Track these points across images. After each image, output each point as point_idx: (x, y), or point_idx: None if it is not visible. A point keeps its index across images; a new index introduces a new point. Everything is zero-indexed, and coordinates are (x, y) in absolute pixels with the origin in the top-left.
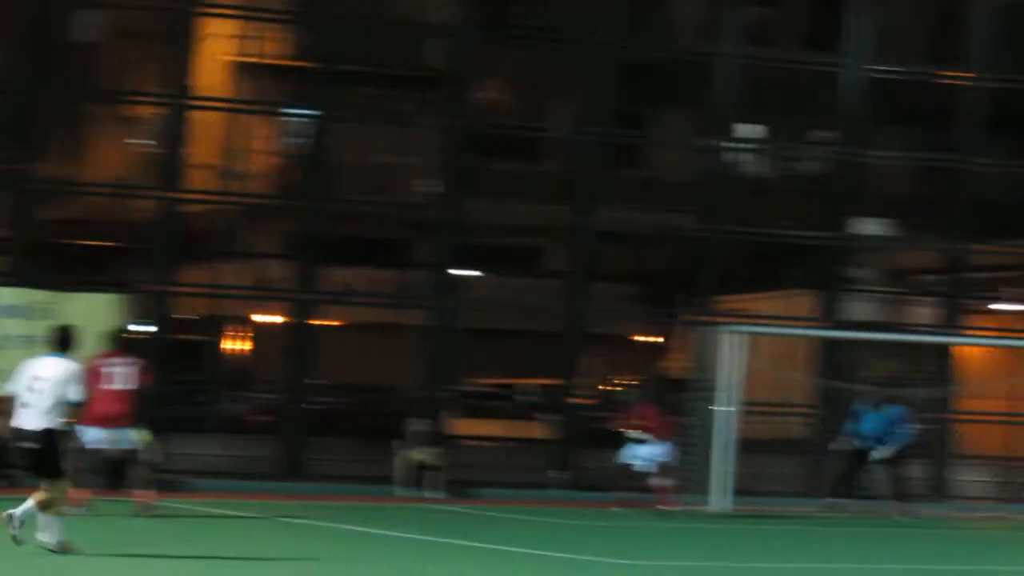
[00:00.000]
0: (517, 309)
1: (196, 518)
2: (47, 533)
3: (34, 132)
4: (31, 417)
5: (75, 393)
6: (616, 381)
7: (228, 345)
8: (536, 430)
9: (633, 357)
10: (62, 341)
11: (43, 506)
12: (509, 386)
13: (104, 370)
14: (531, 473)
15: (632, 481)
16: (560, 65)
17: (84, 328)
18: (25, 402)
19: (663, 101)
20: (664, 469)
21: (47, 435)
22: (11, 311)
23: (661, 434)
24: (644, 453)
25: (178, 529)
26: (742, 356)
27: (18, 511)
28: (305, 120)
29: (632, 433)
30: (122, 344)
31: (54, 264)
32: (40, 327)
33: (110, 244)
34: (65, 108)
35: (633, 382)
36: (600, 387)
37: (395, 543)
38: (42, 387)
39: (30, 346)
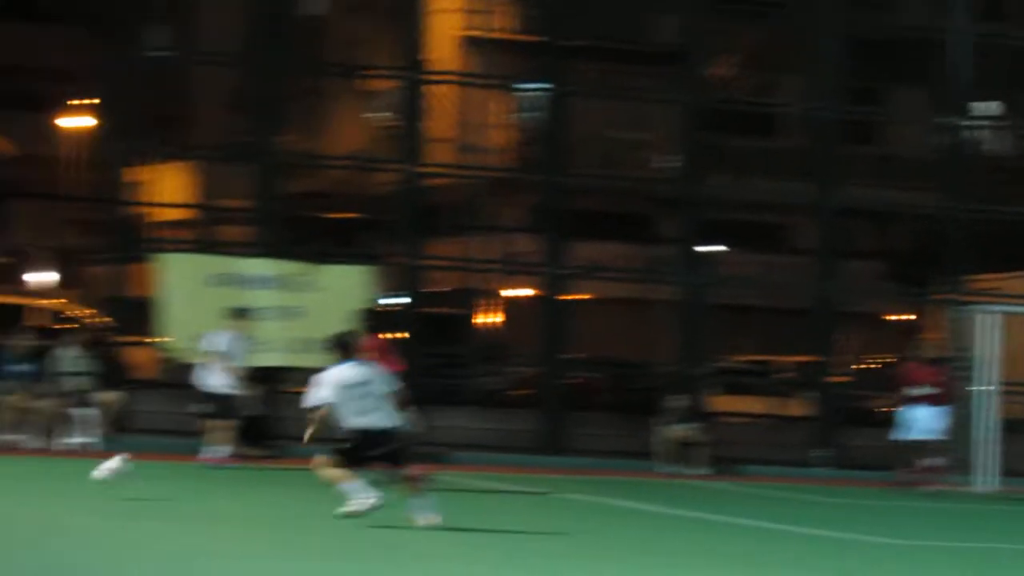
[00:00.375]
0: (764, 285)
1: (471, 492)
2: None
3: (273, 106)
4: (376, 419)
5: (393, 386)
6: (870, 360)
7: (479, 318)
8: (794, 407)
9: (884, 335)
10: (345, 347)
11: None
12: (763, 363)
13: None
14: (792, 450)
15: (902, 459)
16: (790, 40)
17: (338, 301)
18: (364, 408)
19: (895, 77)
20: (938, 447)
21: (394, 432)
22: (264, 282)
23: (944, 396)
24: (925, 418)
25: (454, 503)
26: (998, 336)
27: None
28: (539, 94)
29: (915, 390)
30: (376, 317)
31: (299, 236)
32: (293, 299)
33: (354, 216)
34: (302, 82)
35: (889, 360)
36: (855, 366)
37: (670, 520)
38: (369, 390)
39: (284, 318)
